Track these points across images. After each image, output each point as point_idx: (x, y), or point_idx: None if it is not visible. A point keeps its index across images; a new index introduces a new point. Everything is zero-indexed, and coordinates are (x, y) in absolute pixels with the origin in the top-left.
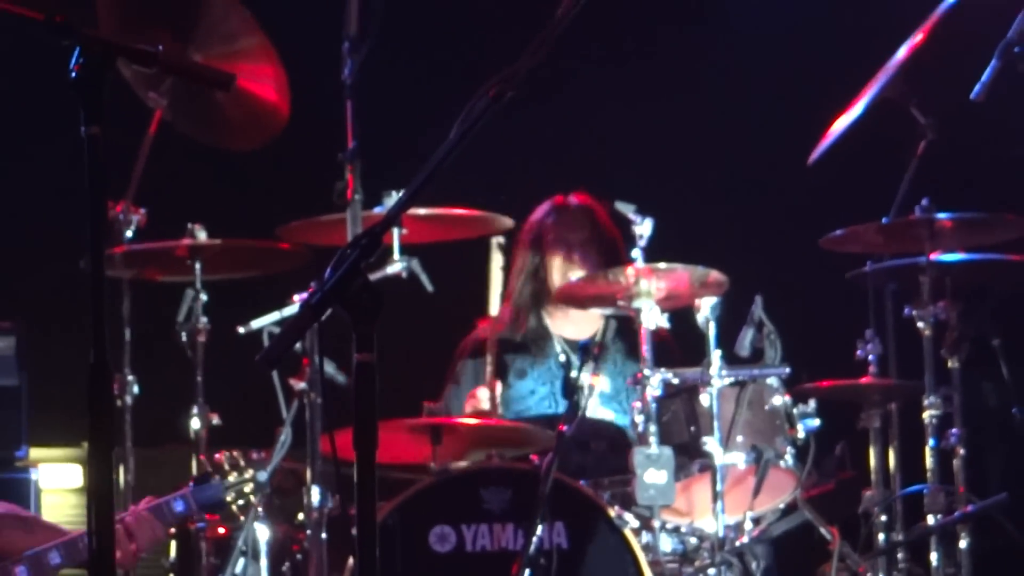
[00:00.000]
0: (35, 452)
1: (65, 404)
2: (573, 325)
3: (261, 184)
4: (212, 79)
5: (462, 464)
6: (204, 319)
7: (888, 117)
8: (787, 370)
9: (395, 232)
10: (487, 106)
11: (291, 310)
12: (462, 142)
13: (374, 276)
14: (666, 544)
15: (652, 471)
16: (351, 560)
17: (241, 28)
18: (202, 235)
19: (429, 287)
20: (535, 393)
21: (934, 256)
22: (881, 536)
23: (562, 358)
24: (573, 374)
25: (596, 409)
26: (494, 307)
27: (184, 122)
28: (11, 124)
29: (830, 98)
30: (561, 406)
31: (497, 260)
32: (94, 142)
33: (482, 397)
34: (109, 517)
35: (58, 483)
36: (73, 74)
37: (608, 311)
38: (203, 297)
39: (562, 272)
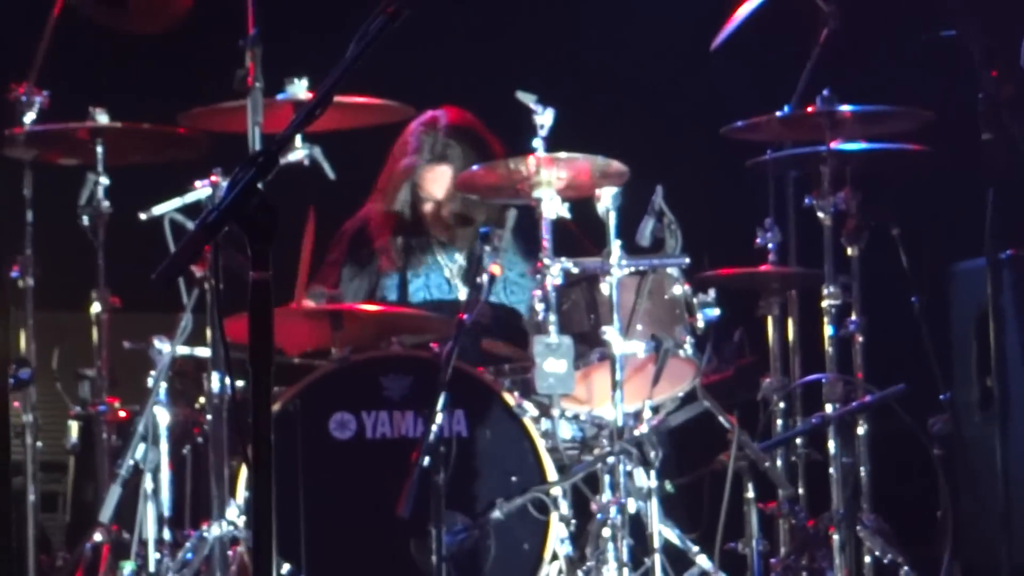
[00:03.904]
0: None
1: None
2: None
3: (164, 70)
4: None
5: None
6: (106, 203)
7: (791, 4)
8: (687, 260)
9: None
10: (384, 24)
11: (192, 196)
12: (358, 60)
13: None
14: (565, 432)
15: (552, 360)
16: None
17: None
18: (103, 118)
19: (331, 175)
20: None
21: (834, 145)
22: (779, 423)
23: (442, 263)
24: (475, 262)
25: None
26: None
27: (88, 4)
28: None
29: None
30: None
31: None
32: None
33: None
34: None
35: None
36: None
37: (508, 200)
38: (104, 181)
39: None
